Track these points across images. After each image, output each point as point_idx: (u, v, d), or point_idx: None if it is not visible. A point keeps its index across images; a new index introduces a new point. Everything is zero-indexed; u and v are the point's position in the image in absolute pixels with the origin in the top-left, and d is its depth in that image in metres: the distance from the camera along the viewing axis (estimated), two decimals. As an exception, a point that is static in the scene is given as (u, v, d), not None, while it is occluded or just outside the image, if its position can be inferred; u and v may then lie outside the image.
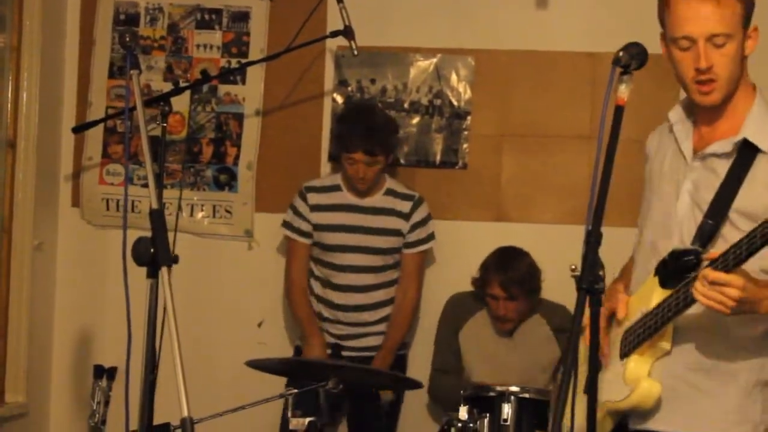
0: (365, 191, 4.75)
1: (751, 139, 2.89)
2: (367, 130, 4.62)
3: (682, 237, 2.96)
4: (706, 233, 2.89)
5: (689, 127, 3.05)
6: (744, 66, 2.96)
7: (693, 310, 2.84)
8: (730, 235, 2.84)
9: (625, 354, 2.99)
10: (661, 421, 2.95)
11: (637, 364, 2.95)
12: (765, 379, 2.92)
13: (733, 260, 2.69)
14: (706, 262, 2.75)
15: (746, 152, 2.89)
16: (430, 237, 4.85)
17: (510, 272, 4.58)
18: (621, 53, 2.61)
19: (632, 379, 2.94)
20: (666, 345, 2.93)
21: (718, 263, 2.71)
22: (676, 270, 2.87)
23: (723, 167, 2.92)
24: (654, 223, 3.11)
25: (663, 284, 2.92)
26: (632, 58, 2.60)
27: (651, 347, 2.95)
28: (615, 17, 4.84)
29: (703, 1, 2.84)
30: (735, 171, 2.89)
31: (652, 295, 2.93)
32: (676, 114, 3.09)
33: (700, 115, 3.02)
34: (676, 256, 2.89)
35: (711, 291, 2.70)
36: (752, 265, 2.77)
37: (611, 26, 4.70)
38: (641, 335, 2.94)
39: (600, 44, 4.65)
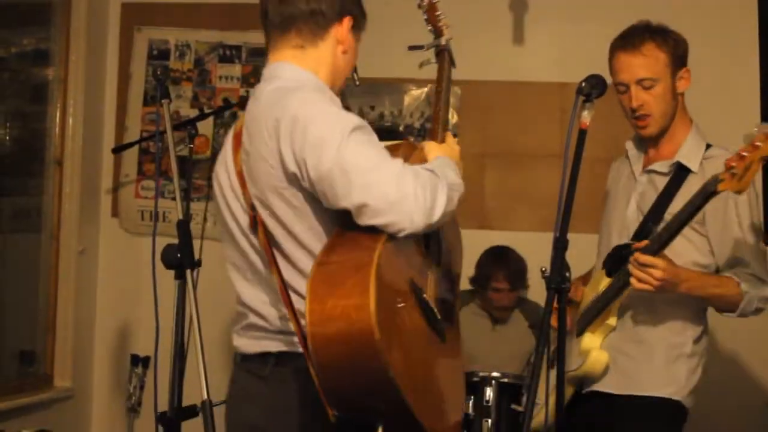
0: None
1: (683, 162, 3.11)
2: None
3: (629, 236, 3.15)
4: (646, 232, 3.07)
5: (640, 153, 3.26)
6: (679, 101, 3.16)
7: (631, 292, 3.03)
8: None
9: (579, 332, 3.16)
10: (604, 384, 3.14)
11: (590, 339, 3.13)
12: (686, 352, 3.11)
13: (656, 248, 2.90)
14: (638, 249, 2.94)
15: (680, 172, 3.10)
16: None
17: (511, 265, 4.59)
18: (583, 83, 2.63)
19: (585, 350, 3.12)
20: (612, 322, 3.12)
21: (647, 248, 2.90)
22: (616, 261, 3.06)
23: (662, 182, 3.13)
24: (609, 228, 3.29)
25: (608, 274, 3.11)
26: (593, 87, 2.62)
27: (600, 325, 3.14)
28: (582, 52, 4.84)
29: (631, 55, 3.09)
30: (670, 185, 3.10)
31: (600, 283, 3.13)
32: (630, 144, 3.31)
33: (648, 142, 3.23)
34: (617, 250, 3.09)
35: (639, 271, 2.89)
36: (685, 258, 3.03)
37: (579, 60, 4.68)
38: (591, 315, 3.12)
39: (569, 75, 4.62)
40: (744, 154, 2.66)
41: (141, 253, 5.13)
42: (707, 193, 2.77)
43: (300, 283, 2.35)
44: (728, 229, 3.06)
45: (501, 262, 4.61)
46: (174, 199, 5.09)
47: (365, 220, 2.23)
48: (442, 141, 2.72)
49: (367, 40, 5.34)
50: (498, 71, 5.00)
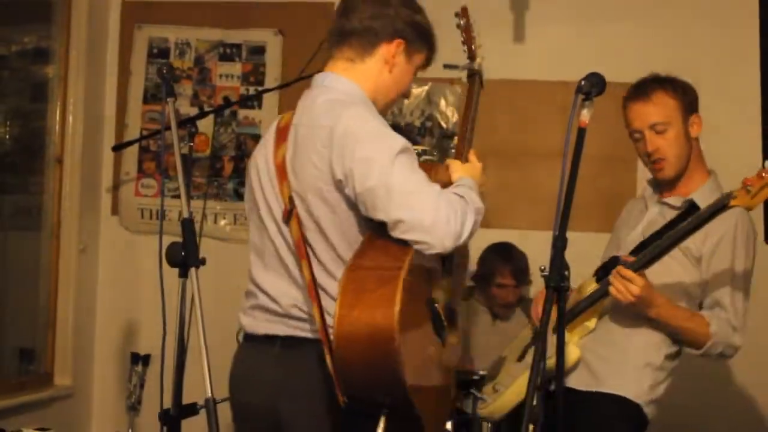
0: None
1: (696, 200, 3.20)
2: None
3: (627, 252, 3.25)
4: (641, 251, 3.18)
5: (656, 194, 3.37)
6: (693, 146, 3.27)
7: (616, 301, 3.14)
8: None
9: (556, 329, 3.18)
10: (571, 380, 3.23)
11: (567, 336, 3.13)
12: (655, 364, 3.21)
13: (640, 265, 3.05)
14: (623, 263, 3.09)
15: (691, 209, 3.20)
16: None
17: (516, 262, 4.61)
18: (583, 82, 2.64)
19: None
20: (591, 324, 3.24)
21: (630, 264, 3.04)
22: (607, 270, 3.15)
23: (671, 215, 3.25)
24: (609, 251, 3.42)
25: (597, 280, 3.22)
26: (592, 86, 2.64)
27: (579, 325, 3.24)
28: (583, 50, 4.88)
29: (643, 103, 3.22)
30: (678, 218, 3.20)
31: (588, 287, 3.24)
32: (648, 186, 3.44)
33: (664, 186, 3.34)
34: (612, 260, 3.18)
35: (619, 282, 3.03)
36: (674, 279, 3.15)
37: (580, 58, 4.73)
38: (573, 314, 3.22)
39: (569, 74, 4.61)
40: (764, 175, 2.81)
41: (141, 251, 5.16)
42: (718, 206, 2.92)
43: (324, 279, 2.59)
44: (721, 270, 3.16)
45: (506, 259, 4.63)
46: (174, 197, 5.13)
47: (398, 234, 2.48)
48: (466, 160, 2.91)
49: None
50: (499, 69, 5.00)
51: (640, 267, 3.05)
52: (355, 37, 2.72)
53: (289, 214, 2.61)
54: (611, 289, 3.06)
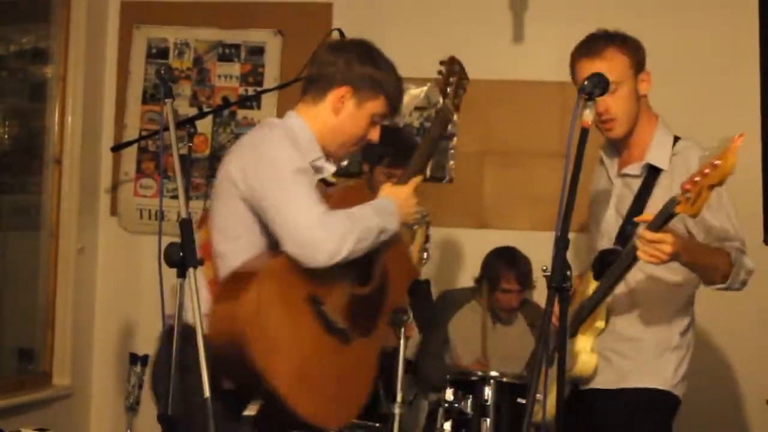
0: None
1: (653, 162, 3.19)
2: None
3: (610, 238, 3.24)
4: (625, 235, 3.16)
5: (613, 159, 3.34)
6: (643, 102, 3.23)
7: (616, 294, 3.15)
8: None
9: (571, 334, 3.19)
10: (597, 382, 3.22)
11: (581, 342, 3.20)
12: (672, 345, 3.20)
13: (658, 224, 2.87)
14: (642, 226, 2.95)
15: (651, 172, 3.19)
16: None
17: (521, 267, 4.58)
18: (585, 82, 2.65)
19: (575, 353, 3.17)
20: (600, 324, 3.19)
21: (650, 226, 2.88)
22: (603, 265, 3.13)
23: (636, 185, 3.22)
24: (594, 233, 3.40)
25: (596, 277, 3.17)
26: (595, 86, 2.64)
27: (590, 327, 3.20)
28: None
29: (593, 61, 3.17)
30: (644, 186, 3.18)
31: (588, 286, 3.19)
32: (604, 150, 3.40)
33: (618, 146, 3.31)
34: (603, 254, 3.17)
35: (649, 248, 2.88)
36: (651, 270, 3.10)
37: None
38: (581, 318, 3.18)
39: (569, 75, 4.65)
40: (696, 179, 2.70)
41: (140, 251, 5.15)
42: (666, 215, 2.83)
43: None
44: (705, 219, 3.09)
45: (510, 264, 4.59)
46: (173, 197, 5.12)
47: (282, 247, 2.74)
48: (405, 182, 3.07)
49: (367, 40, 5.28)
50: (498, 70, 5.01)
51: (659, 226, 2.88)
52: (313, 83, 3.00)
53: (202, 221, 2.90)
54: (641, 255, 2.89)
